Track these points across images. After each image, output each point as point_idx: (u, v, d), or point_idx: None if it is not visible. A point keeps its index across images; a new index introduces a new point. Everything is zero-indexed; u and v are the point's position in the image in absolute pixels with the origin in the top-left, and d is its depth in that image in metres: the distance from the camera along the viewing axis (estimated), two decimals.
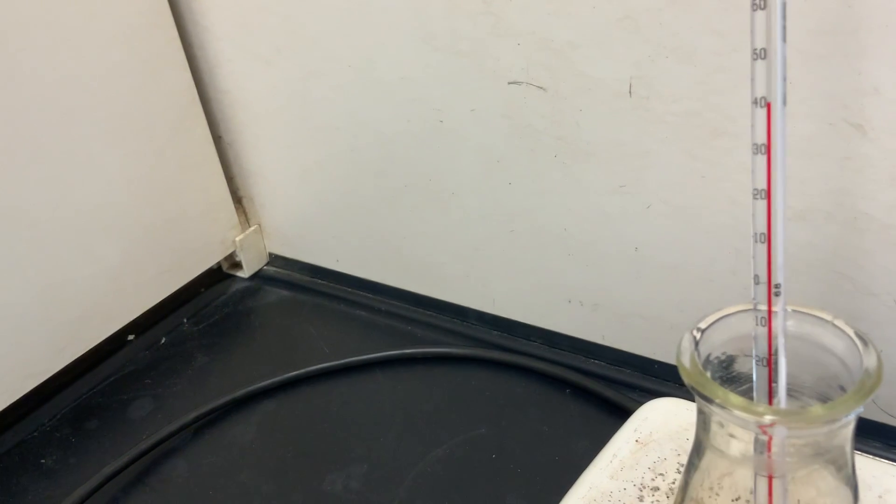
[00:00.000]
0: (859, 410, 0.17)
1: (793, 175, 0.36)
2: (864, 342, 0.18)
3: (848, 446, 0.19)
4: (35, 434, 0.50)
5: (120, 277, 0.54)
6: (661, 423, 0.31)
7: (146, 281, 0.56)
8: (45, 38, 0.46)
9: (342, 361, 0.51)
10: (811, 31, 0.33)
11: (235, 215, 0.61)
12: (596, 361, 0.49)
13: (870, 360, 0.18)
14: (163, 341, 0.57)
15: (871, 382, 0.17)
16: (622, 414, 0.43)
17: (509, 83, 0.42)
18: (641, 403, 0.35)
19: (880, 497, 0.28)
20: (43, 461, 0.47)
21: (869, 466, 0.29)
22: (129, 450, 0.46)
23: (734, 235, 0.40)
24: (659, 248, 0.43)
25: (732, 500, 0.19)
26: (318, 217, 0.58)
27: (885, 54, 0.32)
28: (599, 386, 0.47)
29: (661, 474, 0.25)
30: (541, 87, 0.41)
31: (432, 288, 0.55)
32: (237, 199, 0.61)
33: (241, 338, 0.57)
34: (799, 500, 0.18)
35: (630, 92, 0.39)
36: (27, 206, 0.47)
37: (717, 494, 0.19)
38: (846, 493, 0.19)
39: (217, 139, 0.59)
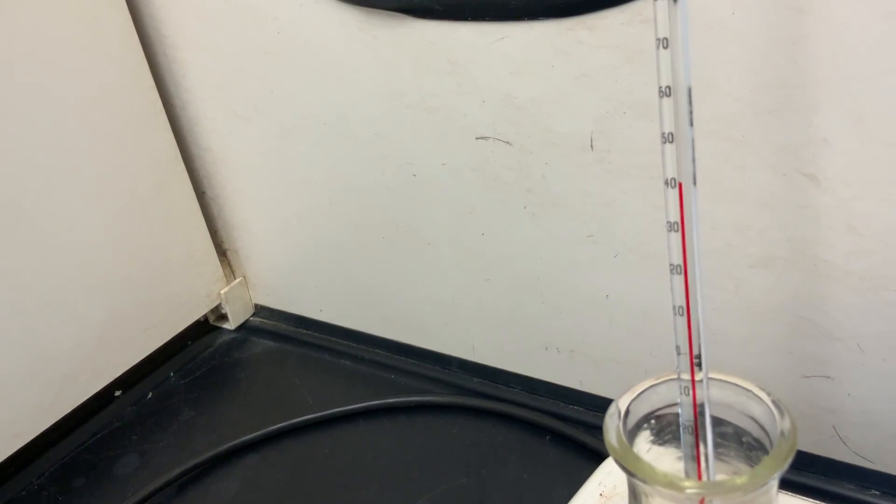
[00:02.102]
0: (778, 475, 0.18)
1: (752, 224, 0.37)
2: (780, 410, 0.19)
3: None
4: (23, 493, 0.50)
5: (105, 334, 0.54)
6: (624, 476, 0.31)
7: (132, 336, 0.56)
8: (26, 101, 0.47)
9: (325, 413, 0.52)
10: (760, 86, 0.34)
11: (220, 268, 0.62)
12: (574, 407, 0.49)
13: (784, 424, 0.18)
14: (149, 396, 0.57)
15: (786, 447, 0.18)
16: (601, 460, 0.43)
17: (477, 138, 0.43)
18: None
19: None
20: None
21: None
22: None
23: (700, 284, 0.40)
24: (628, 295, 0.43)
25: None
26: (302, 268, 0.59)
27: (832, 107, 0.33)
28: (578, 432, 0.47)
29: None
30: (507, 142, 0.42)
31: (414, 336, 0.55)
32: (222, 252, 0.62)
33: (226, 391, 0.57)
34: None
35: (591, 146, 0.40)
36: (11, 266, 0.48)
37: None
38: None
39: (200, 194, 0.60)
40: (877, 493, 0.40)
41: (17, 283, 0.49)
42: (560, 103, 0.40)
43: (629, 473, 0.19)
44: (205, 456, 0.49)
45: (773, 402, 0.19)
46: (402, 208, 0.49)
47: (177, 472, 0.48)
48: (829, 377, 0.39)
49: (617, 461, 0.19)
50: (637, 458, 0.18)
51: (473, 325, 0.51)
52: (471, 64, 0.41)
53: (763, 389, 0.20)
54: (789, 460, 0.18)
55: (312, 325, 0.61)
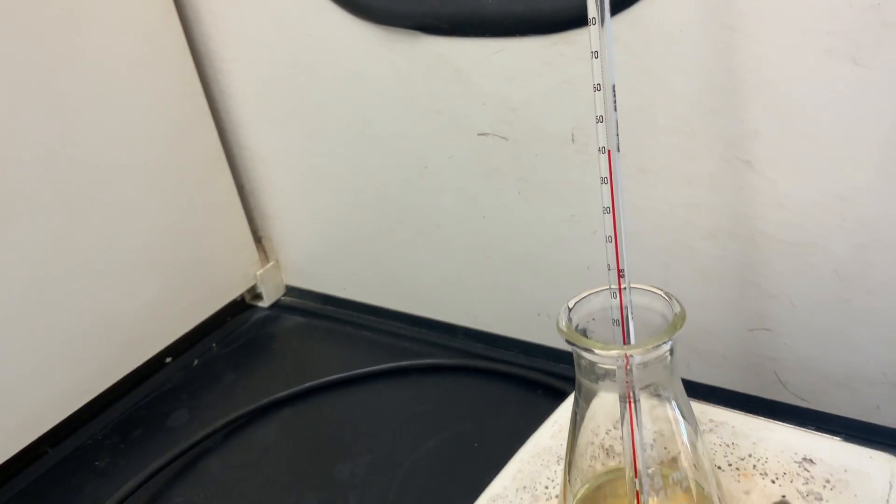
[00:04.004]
0: (672, 341, 0.26)
1: (702, 203, 0.45)
2: (670, 298, 0.27)
3: (669, 372, 0.27)
4: (89, 442, 0.58)
5: (158, 308, 0.63)
6: None
7: (180, 311, 0.65)
8: (94, 108, 0.56)
9: (348, 374, 0.60)
10: (705, 89, 0.42)
11: (256, 253, 0.70)
12: (563, 365, 0.57)
13: (676, 308, 0.27)
14: (195, 363, 0.65)
15: (677, 321, 0.26)
16: None
17: (478, 135, 0.52)
18: None
19: (754, 444, 0.36)
20: (97, 463, 0.56)
21: (749, 423, 0.37)
22: (169, 451, 0.54)
23: (663, 254, 0.48)
24: (605, 267, 0.51)
25: (613, 426, 0.28)
26: (327, 252, 0.67)
27: (759, 105, 0.41)
28: (566, 385, 0.55)
29: (595, 433, 0.33)
30: (504, 138, 0.51)
31: (425, 309, 0.64)
32: (257, 239, 0.71)
33: (262, 358, 0.65)
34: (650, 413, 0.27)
35: (573, 140, 0.48)
36: (82, 248, 0.57)
37: (595, 419, 0.28)
38: (673, 405, 0.28)
39: (240, 188, 0.68)
40: (813, 427, 0.48)
41: (88, 260, 0.57)
42: (546, 105, 0.48)
43: (573, 345, 0.27)
44: (247, 408, 0.57)
45: (666, 294, 0.27)
46: (414, 196, 0.58)
47: (222, 421, 0.56)
48: (769, 329, 0.47)
49: (568, 340, 0.27)
50: (581, 337, 0.27)
51: (476, 297, 0.60)
52: (473, 72, 0.50)
53: (664, 291, 0.28)
54: (679, 329, 0.26)
55: (337, 303, 0.69)
